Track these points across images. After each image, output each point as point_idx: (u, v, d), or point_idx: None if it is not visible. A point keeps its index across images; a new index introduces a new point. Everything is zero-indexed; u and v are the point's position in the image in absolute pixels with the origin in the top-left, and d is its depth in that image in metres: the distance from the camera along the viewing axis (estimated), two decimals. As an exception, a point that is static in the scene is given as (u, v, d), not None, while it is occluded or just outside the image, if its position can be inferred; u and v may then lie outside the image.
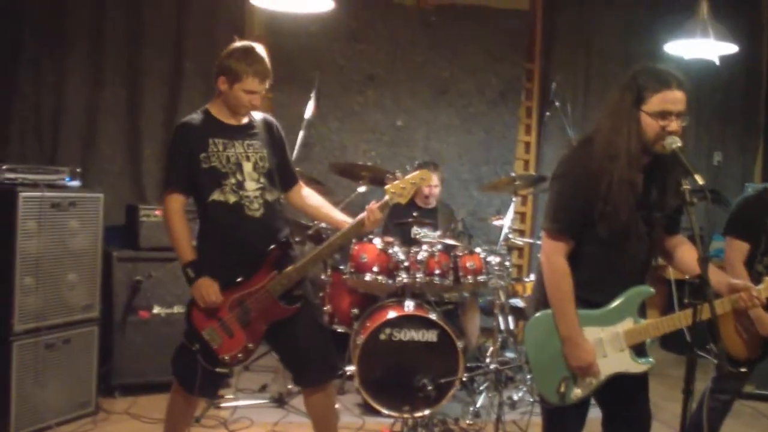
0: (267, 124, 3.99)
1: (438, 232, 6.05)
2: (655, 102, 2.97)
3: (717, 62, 5.58)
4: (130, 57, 6.58)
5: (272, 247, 3.79)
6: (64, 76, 6.31)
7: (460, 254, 5.74)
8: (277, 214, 3.92)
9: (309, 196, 4.15)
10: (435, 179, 6.41)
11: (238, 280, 3.77)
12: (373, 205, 3.82)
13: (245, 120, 3.90)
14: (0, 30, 6.05)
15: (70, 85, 6.33)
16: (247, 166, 3.80)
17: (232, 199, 3.76)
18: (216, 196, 3.75)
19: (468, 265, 5.70)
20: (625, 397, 3.31)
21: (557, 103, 6.38)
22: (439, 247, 5.68)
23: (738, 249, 4.21)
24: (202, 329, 3.76)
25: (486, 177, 7.61)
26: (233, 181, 3.76)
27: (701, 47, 5.46)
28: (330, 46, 7.28)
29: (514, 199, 6.03)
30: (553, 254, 3.14)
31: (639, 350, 3.23)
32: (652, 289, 3.21)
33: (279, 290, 3.78)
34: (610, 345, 3.17)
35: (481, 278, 5.70)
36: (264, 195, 3.83)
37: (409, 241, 5.91)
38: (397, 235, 6.07)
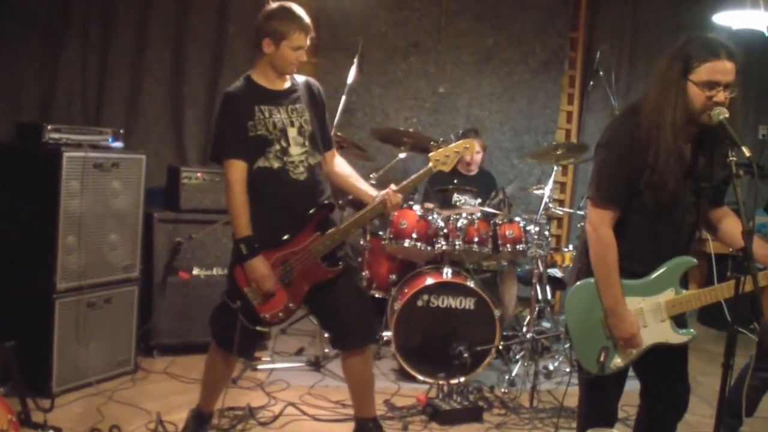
0: (308, 87, 4.01)
1: (479, 200, 6.04)
2: (704, 72, 2.92)
3: (766, 33, 5.47)
4: (174, 20, 6.59)
5: (315, 209, 3.82)
6: (109, 39, 6.33)
7: (500, 223, 5.72)
8: (319, 178, 3.95)
9: (340, 164, 4.15)
10: (477, 146, 6.38)
11: (284, 238, 3.80)
12: (391, 189, 3.84)
13: (288, 84, 3.91)
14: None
15: (114, 48, 6.36)
16: (292, 131, 3.83)
17: (276, 164, 3.78)
18: (261, 162, 3.78)
19: (507, 233, 5.68)
20: (664, 369, 3.30)
21: (601, 73, 6.29)
22: (479, 214, 5.66)
23: None
24: (244, 286, 3.79)
25: (527, 146, 7.57)
26: (278, 147, 3.78)
27: (750, 17, 5.36)
28: (374, 13, 7.24)
29: (555, 168, 5.98)
30: (600, 224, 3.11)
31: (680, 321, 3.20)
32: (694, 260, 3.18)
33: (322, 251, 3.81)
34: (650, 315, 3.15)
35: (520, 247, 5.68)
36: (308, 159, 3.86)
37: (449, 208, 5.90)
38: (438, 201, 6.06)
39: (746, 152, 2.83)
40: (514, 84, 7.64)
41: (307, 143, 3.86)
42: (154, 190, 5.88)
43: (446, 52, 7.46)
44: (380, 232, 5.89)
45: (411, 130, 6.03)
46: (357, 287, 4.03)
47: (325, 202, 3.91)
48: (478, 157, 6.47)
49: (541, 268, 5.79)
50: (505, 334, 5.98)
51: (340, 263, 3.87)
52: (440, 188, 6.03)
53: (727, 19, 5.47)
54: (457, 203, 6.16)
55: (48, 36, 6.07)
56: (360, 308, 3.99)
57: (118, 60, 6.39)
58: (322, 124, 4.04)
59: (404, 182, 3.89)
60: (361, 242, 5.97)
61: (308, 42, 3.81)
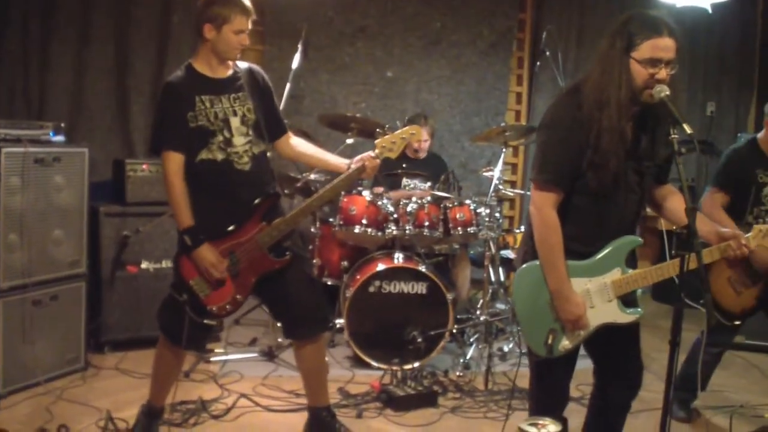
0: (252, 74, 3.94)
1: (428, 184, 6.02)
2: (646, 49, 2.91)
3: (710, 11, 5.51)
4: (116, 12, 6.49)
5: (260, 198, 3.76)
6: (51, 33, 6.23)
7: (450, 206, 5.70)
8: (264, 167, 3.90)
9: (299, 144, 4.10)
10: (425, 134, 6.36)
11: (229, 229, 3.75)
12: (365, 155, 3.79)
13: (230, 71, 3.85)
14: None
15: (56, 42, 6.25)
16: (234, 121, 3.77)
17: (219, 156, 3.73)
18: (204, 155, 3.72)
19: (458, 216, 5.66)
20: (615, 348, 3.30)
21: (548, 53, 6.29)
22: (429, 198, 5.64)
23: (717, 200, 4.22)
24: (190, 279, 3.74)
25: (477, 128, 7.57)
26: (221, 138, 3.73)
27: (694, -5, 5.40)
28: (320, -1, 7.19)
29: (504, 150, 5.97)
30: (543, 206, 3.09)
31: (628, 301, 3.19)
32: (639, 239, 3.18)
33: (268, 242, 3.76)
34: (597, 296, 3.14)
35: (471, 230, 5.66)
36: (252, 148, 3.81)
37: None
38: (387, 186, 6.03)
39: (687, 129, 2.83)
40: (463, 66, 7.64)
41: (250, 132, 3.80)
42: (101, 183, 5.81)
43: (393, 36, 7.45)
44: (330, 219, 5.85)
45: (358, 115, 5.98)
46: (306, 276, 4.00)
47: (271, 191, 3.85)
48: (426, 144, 6.43)
49: (493, 250, 5.79)
50: (459, 317, 5.98)
51: (287, 253, 3.82)
52: (388, 172, 6.00)
53: (671, -4, 5.50)
54: (407, 188, 6.12)
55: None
56: (310, 297, 3.95)
57: (60, 53, 6.29)
58: (270, 110, 3.98)
59: (349, 170, 3.83)
60: (312, 229, 5.92)
61: (250, 25, 3.76)
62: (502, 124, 6.22)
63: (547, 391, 3.34)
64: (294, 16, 6.96)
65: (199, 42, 3.79)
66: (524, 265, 3.22)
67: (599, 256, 3.14)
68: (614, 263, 3.14)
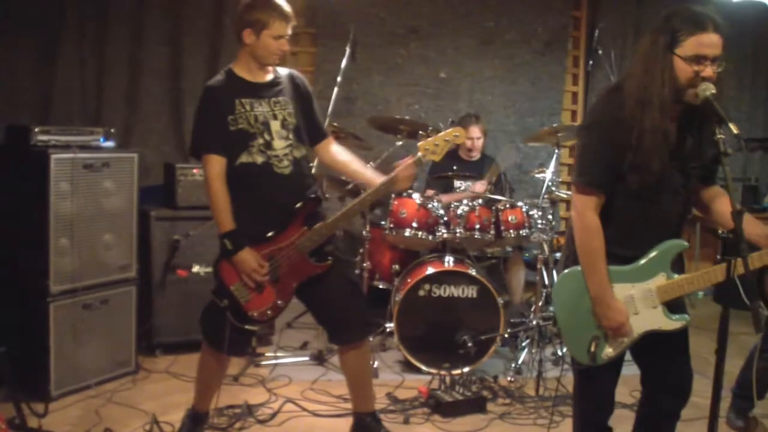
0: (293, 79, 3.92)
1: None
2: (690, 45, 2.80)
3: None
4: (170, 14, 6.56)
5: (301, 203, 3.74)
6: (106, 35, 6.31)
7: (502, 208, 5.62)
8: (305, 171, 3.88)
9: (338, 152, 4.06)
10: (477, 131, 6.29)
11: (269, 234, 3.74)
12: (406, 160, 3.74)
13: (270, 76, 3.84)
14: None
15: (111, 44, 6.33)
16: (275, 125, 3.76)
17: (259, 159, 3.72)
18: (244, 158, 3.72)
19: (510, 219, 5.58)
20: (662, 355, 3.19)
21: (600, 51, 6.16)
22: (480, 201, 5.57)
23: None
24: (230, 284, 3.74)
25: (532, 128, 7.43)
26: (261, 141, 3.72)
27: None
28: (371, 0, 7.15)
29: (557, 150, 5.86)
30: (584, 209, 3.00)
31: (675, 306, 3.08)
32: (685, 243, 3.08)
33: (309, 246, 3.74)
34: (641, 302, 3.04)
35: (523, 232, 5.58)
36: (293, 152, 3.80)
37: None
38: (439, 188, 5.97)
39: (734, 129, 2.70)
40: (517, 66, 7.54)
41: (291, 136, 3.79)
42: (155, 187, 5.87)
43: (446, 37, 7.37)
44: (381, 222, 5.81)
45: (407, 117, 5.94)
46: (348, 281, 3.97)
47: (312, 195, 3.83)
48: (479, 143, 6.35)
49: (547, 253, 5.69)
50: (513, 321, 5.90)
51: (329, 258, 3.80)
52: (439, 175, 5.94)
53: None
54: (458, 189, 6.05)
55: (44, 35, 6.05)
56: (352, 302, 3.93)
57: (115, 56, 6.37)
58: (310, 116, 3.96)
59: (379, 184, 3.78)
60: (363, 233, 5.89)
61: (290, 31, 3.74)
62: (554, 125, 6.11)
63: (591, 400, 3.25)
64: (345, 17, 6.91)
65: (239, 46, 3.78)
66: (566, 271, 3.13)
67: (643, 260, 3.04)
68: (659, 268, 3.04)
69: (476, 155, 6.40)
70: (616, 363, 3.15)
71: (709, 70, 2.80)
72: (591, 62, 6.60)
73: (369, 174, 3.96)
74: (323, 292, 3.84)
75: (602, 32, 6.16)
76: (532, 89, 7.58)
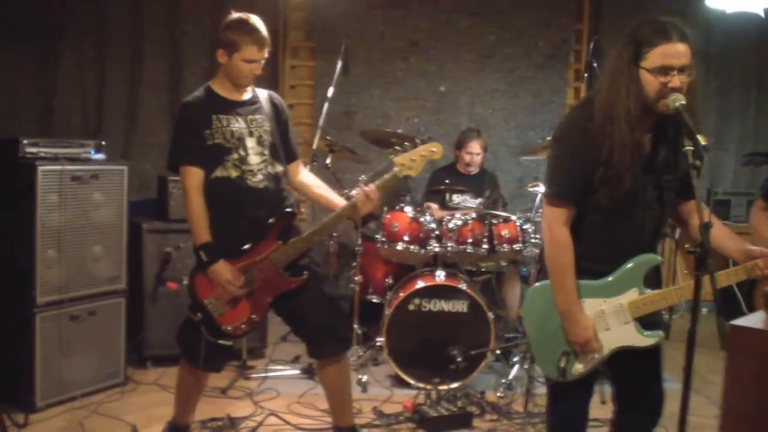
0: (271, 100, 3.94)
1: (479, 200, 5.92)
2: (655, 57, 2.76)
3: (763, 15, 5.27)
4: (169, 29, 6.60)
5: (274, 217, 3.73)
6: (105, 49, 6.36)
7: (495, 222, 5.58)
8: (281, 185, 3.87)
9: (305, 175, 4.07)
10: (477, 147, 6.28)
11: (244, 248, 3.71)
12: (367, 187, 3.70)
13: (248, 95, 3.85)
14: (41, 8, 6.11)
15: (110, 58, 6.38)
16: (250, 141, 3.77)
17: (234, 174, 3.72)
18: (219, 172, 3.71)
19: (503, 233, 5.55)
20: (634, 372, 3.14)
21: (595, 64, 6.12)
22: (474, 215, 5.53)
23: (765, 214, 3.96)
24: (204, 298, 3.71)
25: (533, 142, 7.35)
26: (236, 156, 3.71)
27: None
28: (370, 13, 7.17)
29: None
30: (554, 223, 2.96)
31: (649, 323, 3.02)
32: (659, 258, 3.04)
33: (283, 261, 3.71)
34: (613, 317, 2.99)
35: (516, 246, 5.55)
36: (268, 167, 3.79)
37: (448, 208, 5.78)
38: (437, 202, 5.94)
39: (702, 140, 2.65)
40: (518, 80, 7.48)
41: (266, 152, 3.79)
42: (149, 201, 5.88)
43: (446, 50, 7.34)
44: (375, 236, 5.77)
45: (399, 131, 5.92)
46: (325, 295, 3.91)
47: (287, 210, 3.81)
48: (478, 159, 6.32)
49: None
50: (507, 336, 5.85)
51: (304, 272, 3.77)
52: (433, 188, 5.91)
53: (719, 2, 5.27)
54: (451, 203, 6.01)
55: (44, 50, 6.11)
56: (329, 316, 3.89)
57: (114, 70, 6.43)
58: (285, 136, 3.96)
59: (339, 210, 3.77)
60: (356, 247, 5.86)
61: (264, 55, 3.72)
62: (548, 138, 6.05)
63: (562, 416, 3.20)
64: (344, 31, 6.89)
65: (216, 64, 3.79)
66: (536, 284, 3.10)
67: (615, 275, 3.00)
68: (631, 283, 2.99)
69: (474, 170, 6.36)
70: (588, 380, 3.11)
71: (676, 80, 2.76)
72: (585, 75, 6.52)
73: (334, 199, 3.92)
74: (299, 306, 3.81)
75: (598, 45, 6.10)
76: (533, 103, 7.52)
